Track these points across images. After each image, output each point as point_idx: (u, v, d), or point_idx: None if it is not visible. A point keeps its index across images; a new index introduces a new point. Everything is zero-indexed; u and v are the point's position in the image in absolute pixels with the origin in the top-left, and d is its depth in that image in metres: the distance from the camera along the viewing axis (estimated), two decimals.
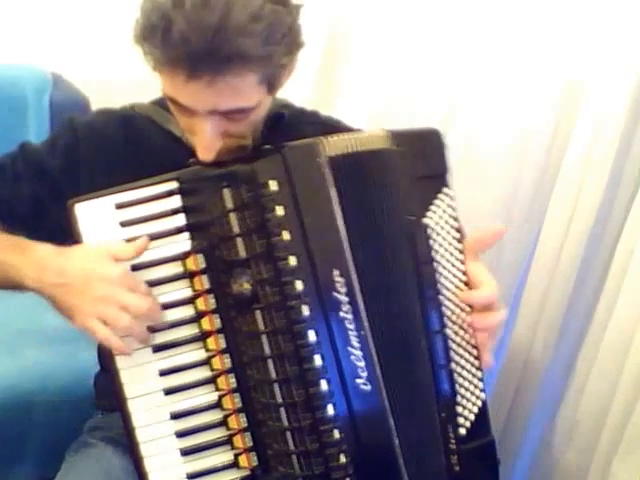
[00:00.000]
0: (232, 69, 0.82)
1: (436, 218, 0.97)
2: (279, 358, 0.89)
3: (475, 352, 0.98)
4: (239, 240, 0.89)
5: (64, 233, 0.93)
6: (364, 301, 0.90)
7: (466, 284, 0.98)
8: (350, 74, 1.62)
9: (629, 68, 1.28)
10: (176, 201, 0.91)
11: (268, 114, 0.98)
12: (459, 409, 0.97)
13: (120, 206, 0.90)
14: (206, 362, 0.91)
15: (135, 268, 0.89)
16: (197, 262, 0.90)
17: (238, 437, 0.91)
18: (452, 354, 0.96)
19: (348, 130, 1.06)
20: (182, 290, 0.91)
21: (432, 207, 0.97)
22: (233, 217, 0.89)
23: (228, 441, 0.91)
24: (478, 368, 0.98)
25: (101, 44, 1.74)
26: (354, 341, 0.90)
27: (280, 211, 0.88)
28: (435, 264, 0.96)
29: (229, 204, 0.89)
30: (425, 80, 1.54)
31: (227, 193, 0.89)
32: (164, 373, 0.91)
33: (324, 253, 0.89)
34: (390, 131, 0.96)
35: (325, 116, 1.15)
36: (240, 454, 0.91)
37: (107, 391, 0.97)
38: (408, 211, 0.95)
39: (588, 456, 1.42)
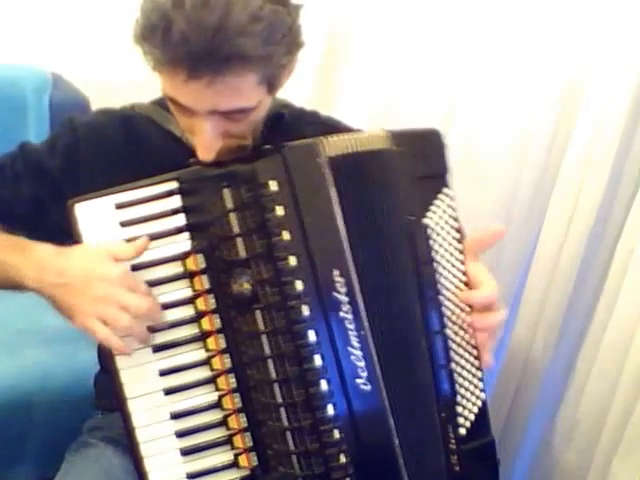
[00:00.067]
0: (232, 69, 0.82)
1: (436, 218, 0.97)
2: (279, 358, 0.89)
3: (475, 352, 0.98)
4: (239, 240, 0.89)
5: (64, 233, 0.93)
6: (364, 301, 0.90)
7: (466, 284, 0.98)
8: (350, 74, 1.62)
9: (629, 68, 1.28)
10: (176, 201, 0.91)
11: (268, 114, 0.98)
12: (459, 409, 0.97)
13: (120, 206, 0.90)
14: (206, 362, 0.91)
15: (135, 268, 0.89)
16: (197, 262, 0.90)
17: (238, 437, 0.91)
18: (452, 354, 0.96)
19: (348, 130, 1.06)
20: (182, 290, 0.91)
21: (432, 207, 0.97)
22: (233, 217, 0.89)
23: (228, 441, 0.91)
24: (478, 368, 0.98)
25: (101, 44, 1.74)
26: (354, 341, 0.90)
27: (280, 211, 0.88)
28: (435, 264, 0.96)
29: (229, 204, 0.89)
30: (425, 80, 1.54)
31: (227, 193, 0.89)
32: (164, 373, 0.91)
33: (324, 253, 0.89)
34: (390, 131, 0.96)
35: (325, 116, 1.15)
36: (240, 454, 0.91)
37: (107, 391, 0.97)
38: (408, 211, 0.95)
39: (588, 456, 1.42)
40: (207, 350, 0.91)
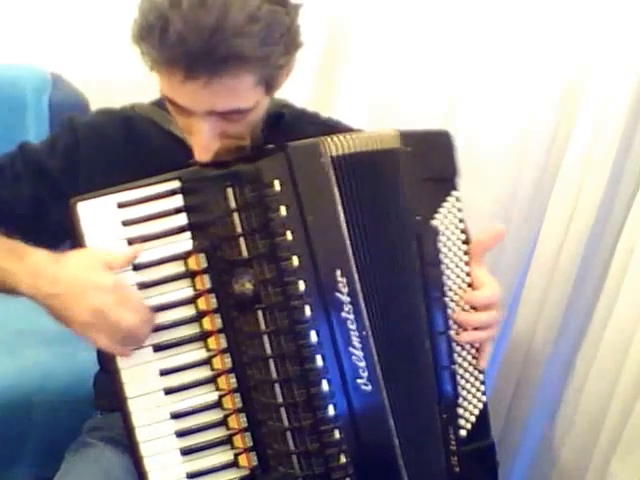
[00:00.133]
0: (229, 70, 0.82)
1: (445, 221, 0.97)
2: (280, 358, 0.89)
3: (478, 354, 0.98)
4: (242, 240, 0.89)
5: (64, 233, 0.93)
6: (366, 301, 0.90)
7: (470, 286, 0.98)
8: (350, 74, 1.62)
9: (629, 68, 1.28)
10: (178, 200, 0.91)
11: (268, 113, 0.98)
12: (460, 411, 0.98)
13: (122, 205, 0.90)
14: (207, 362, 0.91)
15: (137, 268, 0.89)
16: (199, 261, 0.90)
17: (238, 437, 0.91)
18: (455, 356, 0.97)
19: (348, 130, 1.06)
20: (183, 290, 0.91)
21: (441, 209, 0.97)
22: (236, 217, 0.89)
23: (228, 441, 0.91)
24: (480, 371, 0.99)
25: (101, 44, 1.74)
26: (355, 341, 0.90)
27: (284, 211, 0.88)
28: (442, 266, 0.96)
29: (232, 204, 0.89)
30: (425, 80, 1.54)
31: (230, 193, 0.89)
32: (164, 373, 0.91)
33: (327, 253, 0.89)
34: (399, 131, 0.96)
35: (325, 117, 1.15)
36: (240, 454, 0.91)
37: (106, 391, 0.97)
38: (414, 212, 0.95)
39: (587, 456, 1.42)
40: (208, 350, 0.91)
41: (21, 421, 1.37)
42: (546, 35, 1.38)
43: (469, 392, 0.98)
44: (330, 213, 0.90)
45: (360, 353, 0.90)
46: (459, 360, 0.97)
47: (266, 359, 0.89)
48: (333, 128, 1.05)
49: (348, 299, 0.89)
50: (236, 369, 0.91)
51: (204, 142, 0.89)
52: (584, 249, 1.39)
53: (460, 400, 0.97)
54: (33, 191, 1.00)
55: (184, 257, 0.90)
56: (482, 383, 0.99)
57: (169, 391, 0.91)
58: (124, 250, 0.89)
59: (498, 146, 1.48)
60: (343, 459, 0.90)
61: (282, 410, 0.90)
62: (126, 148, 1.02)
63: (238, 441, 0.91)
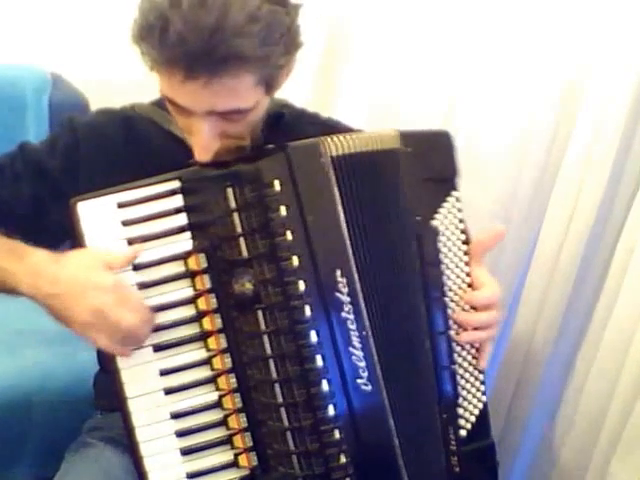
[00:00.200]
0: (229, 70, 0.82)
1: (445, 221, 0.97)
2: (280, 358, 0.89)
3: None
4: (242, 240, 0.89)
5: (64, 233, 0.93)
6: (366, 301, 0.91)
7: (470, 286, 0.98)
8: (350, 74, 1.62)
9: (629, 68, 1.28)
10: (178, 200, 0.91)
11: (268, 114, 0.98)
12: (460, 411, 0.98)
13: (122, 205, 0.90)
14: (207, 362, 0.91)
15: (137, 268, 0.89)
16: (199, 261, 0.90)
17: (238, 437, 0.91)
18: (455, 356, 0.97)
19: (348, 131, 1.06)
20: (183, 290, 0.91)
21: (441, 209, 0.97)
22: (236, 217, 0.89)
23: (228, 441, 0.91)
24: (480, 371, 0.99)
25: (100, 44, 1.74)
26: (355, 341, 0.90)
27: (284, 211, 0.88)
28: (442, 266, 0.96)
29: (232, 204, 0.89)
30: (425, 80, 1.54)
31: (230, 193, 0.89)
32: (164, 373, 0.91)
33: (327, 253, 0.89)
34: (400, 131, 0.96)
35: (325, 117, 1.15)
36: (240, 454, 0.91)
37: (106, 391, 0.97)
38: (414, 212, 0.96)
39: (587, 456, 1.42)
40: (208, 350, 0.91)
41: (21, 421, 1.37)
42: (546, 35, 1.38)
43: (469, 392, 0.98)
44: (330, 213, 0.90)
45: (360, 353, 0.90)
46: (459, 360, 0.97)
47: (266, 359, 0.89)
48: (333, 128, 1.05)
49: (348, 299, 0.89)
50: (236, 369, 0.91)
51: (204, 142, 0.89)
52: (584, 249, 1.39)
53: (460, 400, 0.97)
54: (33, 191, 1.00)
55: (184, 257, 0.90)
56: (482, 383, 0.99)
57: (169, 391, 0.91)
58: (124, 250, 0.89)
59: (498, 146, 1.48)
60: (343, 459, 0.90)
61: (282, 410, 0.90)
62: (126, 148, 1.02)
63: (238, 441, 0.91)
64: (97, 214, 0.90)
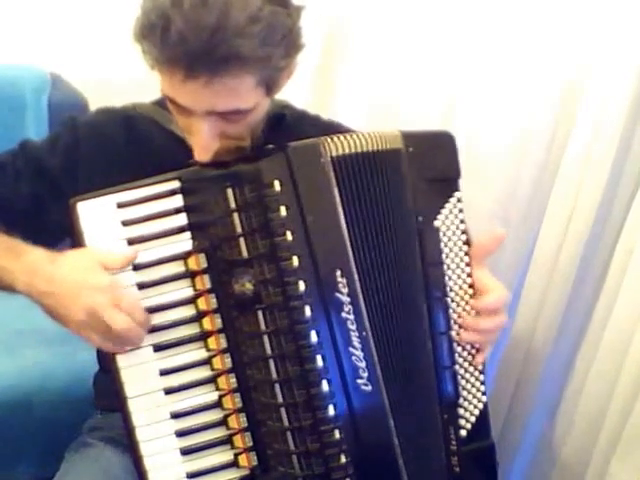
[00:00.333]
0: (229, 70, 0.82)
1: (447, 221, 0.97)
2: (280, 358, 0.89)
3: None
4: (242, 240, 0.89)
5: (64, 232, 0.93)
6: (366, 302, 0.91)
7: (471, 287, 0.98)
8: (349, 74, 1.62)
9: (629, 68, 1.28)
10: (178, 200, 0.91)
11: (269, 114, 0.98)
12: (461, 411, 0.98)
13: (122, 205, 0.90)
14: (207, 362, 0.91)
15: (136, 268, 0.89)
16: (199, 261, 0.90)
17: (238, 437, 0.91)
18: (456, 356, 0.97)
19: (349, 132, 1.06)
20: (183, 290, 0.91)
21: (443, 210, 0.97)
22: (236, 217, 0.89)
23: (228, 441, 0.92)
24: (481, 371, 0.99)
25: (100, 44, 1.74)
26: (355, 341, 0.90)
27: (283, 211, 0.88)
28: (444, 266, 0.96)
29: (232, 204, 0.89)
30: (425, 80, 1.54)
31: (230, 193, 0.89)
32: (165, 372, 0.91)
33: (327, 253, 0.89)
34: (402, 132, 0.96)
35: (327, 119, 1.15)
36: (240, 454, 0.92)
37: (106, 391, 0.97)
38: (415, 212, 0.96)
39: (586, 456, 1.42)
40: (208, 350, 0.91)
41: (21, 421, 1.38)
42: (546, 35, 1.38)
43: (469, 392, 0.98)
44: (330, 213, 0.90)
45: (360, 353, 0.90)
46: (460, 360, 0.97)
47: (266, 359, 0.89)
48: (334, 129, 1.05)
49: (348, 299, 0.89)
50: (236, 369, 0.91)
51: (204, 142, 0.89)
52: (583, 249, 1.39)
53: (461, 400, 0.97)
54: (33, 189, 1.01)
55: (184, 257, 0.90)
56: (482, 383, 1.00)
57: (169, 391, 0.91)
58: (124, 250, 0.89)
59: (498, 146, 1.48)
60: (343, 459, 0.90)
61: (282, 410, 0.90)
62: (127, 148, 1.02)
63: (238, 441, 0.91)
64: (97, 214, 0.90)
